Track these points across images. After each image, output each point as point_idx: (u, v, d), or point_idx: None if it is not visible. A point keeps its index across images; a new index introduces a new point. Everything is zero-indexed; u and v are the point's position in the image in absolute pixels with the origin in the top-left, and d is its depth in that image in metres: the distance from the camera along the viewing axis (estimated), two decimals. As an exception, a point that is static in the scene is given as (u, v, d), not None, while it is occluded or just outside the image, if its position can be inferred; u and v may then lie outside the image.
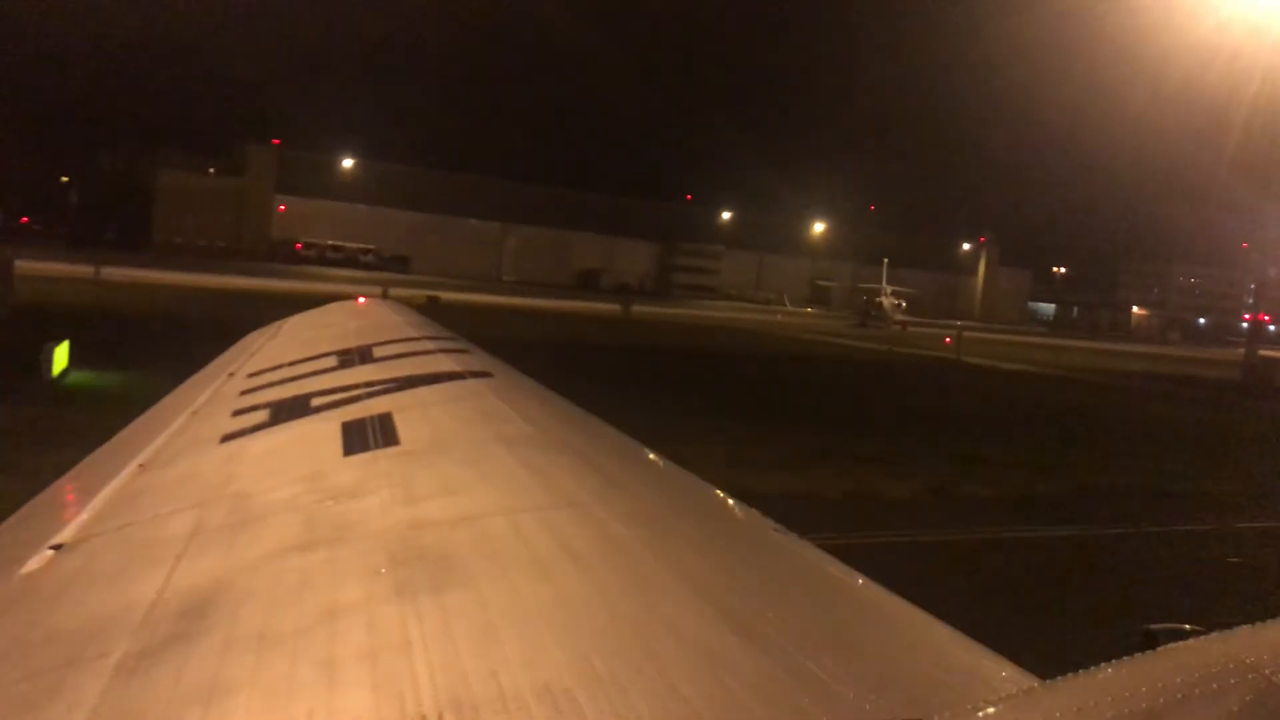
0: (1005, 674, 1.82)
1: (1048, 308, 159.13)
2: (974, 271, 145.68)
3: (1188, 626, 1.48)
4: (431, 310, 49.17)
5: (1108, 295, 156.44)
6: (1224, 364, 58.45)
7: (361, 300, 9.51)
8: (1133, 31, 64.38)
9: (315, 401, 4.45)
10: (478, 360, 5.60)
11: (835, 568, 2.45)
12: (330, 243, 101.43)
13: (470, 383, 4.77)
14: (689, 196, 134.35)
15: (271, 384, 5.22)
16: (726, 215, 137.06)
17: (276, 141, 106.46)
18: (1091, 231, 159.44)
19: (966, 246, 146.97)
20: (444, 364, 5.29)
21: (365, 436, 3.65)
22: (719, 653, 1.78)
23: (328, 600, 2.19)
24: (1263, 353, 54.06)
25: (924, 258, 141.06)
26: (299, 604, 2.21)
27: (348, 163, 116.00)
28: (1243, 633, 1.19)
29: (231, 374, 5.89)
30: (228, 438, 4.11)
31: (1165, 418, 32.23)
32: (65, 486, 4.04)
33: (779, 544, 2.66)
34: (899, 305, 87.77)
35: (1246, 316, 63.48)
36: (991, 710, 1.31)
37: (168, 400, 5.45)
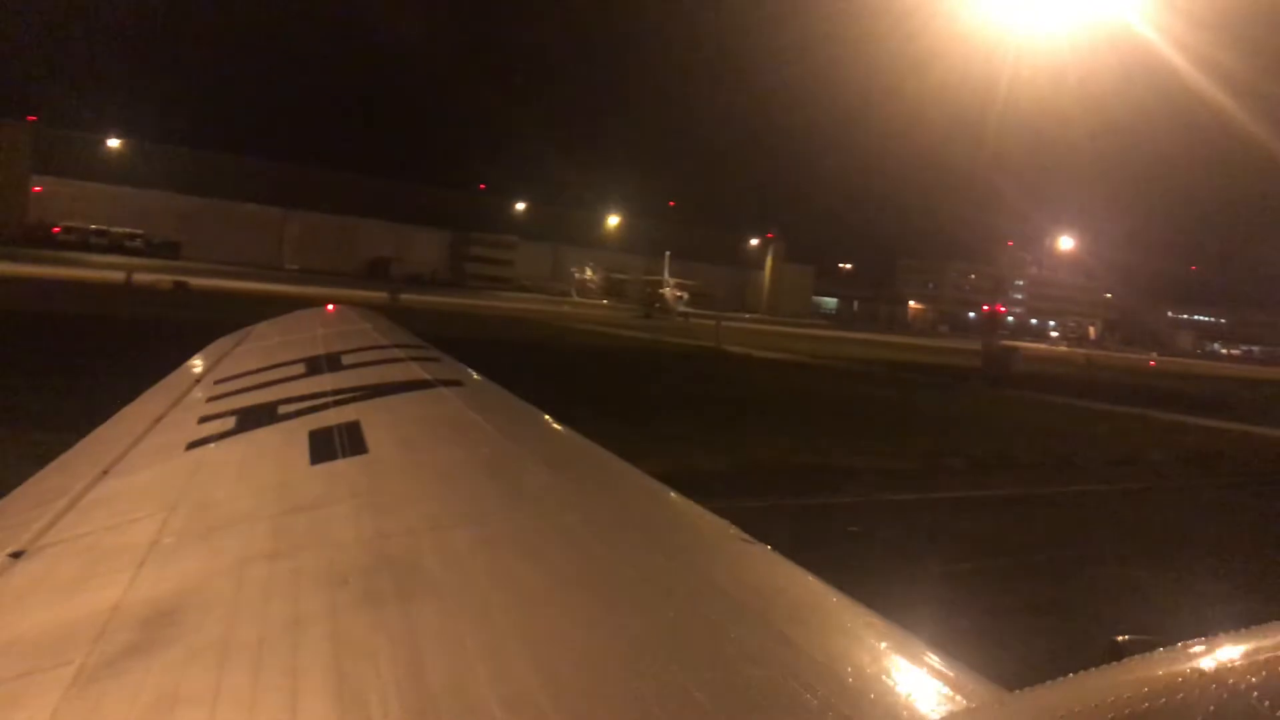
0: (971, 686, 1.75)
1: (831, 302, 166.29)
2: (763, 266, 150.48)
3: (1153, 639, 1.41)
4: (177, 295, 47.55)
5: (887, 290, 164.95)
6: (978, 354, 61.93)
7: (331, 307, 9.38)
8: (905, 35, 67.48)
9: (282, 409, 4.39)
10: (448, 369, 5.58)
11: (804, 578, 2.38)
12: (93, 227, 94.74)
13: (440, 391, 4.74)
14: (482, 186, 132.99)
15: (238, 391, 5.14)
16: (521, 206, 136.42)
17: (32, 119, 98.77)
18: (873, 229, 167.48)
19: (755, 242, 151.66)
20: (414, 372, 5.28)
21: (333, 445, 3.57)
22: (687, 662, 1.78)
23: (292, 610, 2.15)
24: (1005, 343, 57.82)
25: (717, 253, 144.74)
26: (263, 614, 2.16)
27: (114, 142, 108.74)
28: (1207, 644, 1.19)
29: (198, 380, 5.82)
30: (193, 445, 4.03)
31: (883, 400, 33.36)
32: (26, 493, 3.81)
33: (749, 554, 2.60)
34: (681, 297, 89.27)
35: (985, 308, 67.77)
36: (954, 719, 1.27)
37: (133, 406, 5.21)
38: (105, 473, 3.81)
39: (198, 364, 6.55)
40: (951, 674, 1.83)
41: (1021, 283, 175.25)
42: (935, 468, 18.83)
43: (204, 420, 4.50)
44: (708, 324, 61.99)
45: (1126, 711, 1.07)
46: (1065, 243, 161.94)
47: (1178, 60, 53.70)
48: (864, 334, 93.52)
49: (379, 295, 60.53)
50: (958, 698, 1.66)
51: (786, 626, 2.05)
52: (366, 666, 1.82)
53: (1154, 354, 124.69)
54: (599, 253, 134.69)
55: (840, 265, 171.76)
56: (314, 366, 5.56)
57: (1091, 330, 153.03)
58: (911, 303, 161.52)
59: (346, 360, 5.74)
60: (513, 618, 2.03)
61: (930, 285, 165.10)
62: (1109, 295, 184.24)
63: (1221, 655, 1.14)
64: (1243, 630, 1.22)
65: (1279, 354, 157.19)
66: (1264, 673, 1.06)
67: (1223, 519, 17.45)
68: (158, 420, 4.72)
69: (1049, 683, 1.22)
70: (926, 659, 1.93)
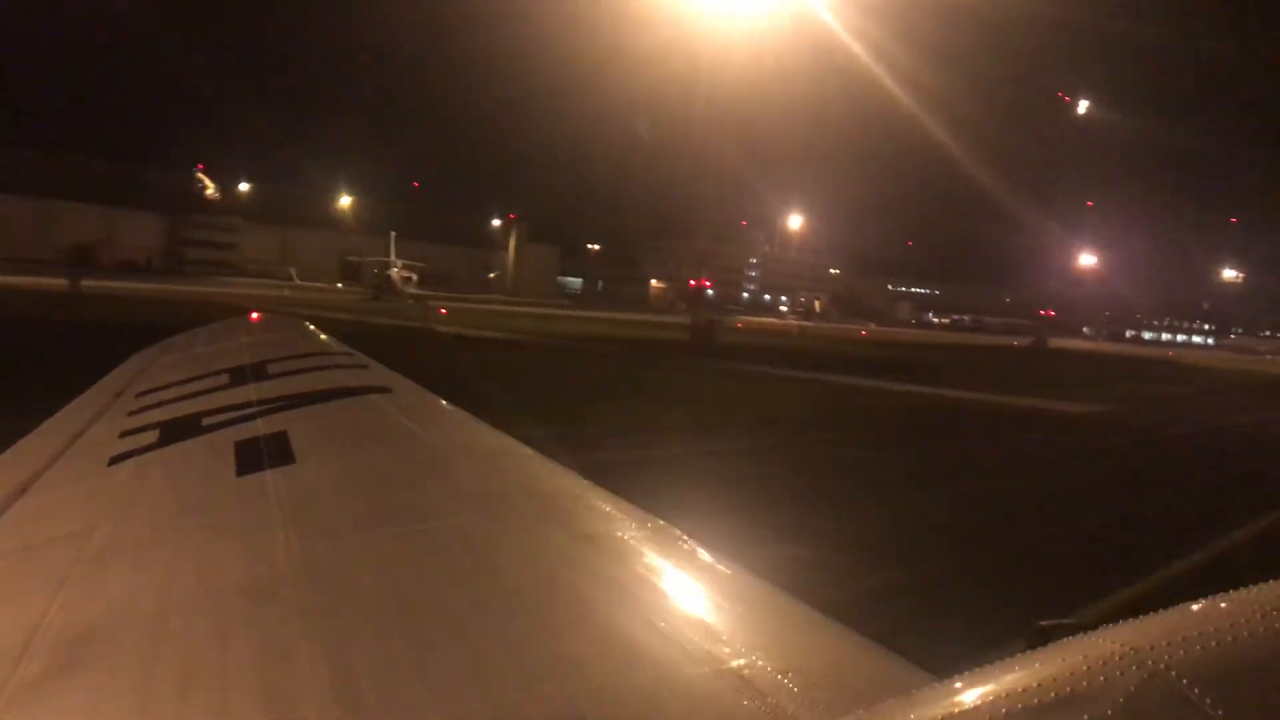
0: (900, 673, 1.80)
1: (577, 282, 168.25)
2: (506, 247, 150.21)
3: (1077, 622, 1.44)
4: None
5: (630, 270, 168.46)
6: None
7: (255, 316, 9.08)
8: (635, 20, 68.57)
9: (207, 421, 4.29)
10: (377, 375, 5.50)
11: (735, 574, 2.39)
12: None
13: (369, 398, 4.71)
14: (201, 166, 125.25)
15: (161, 404, 4.97)
16: (246, 186, 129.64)
17: None
18: (621, 211, 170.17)
19: (497, 223, 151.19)
20: (341, 379, 5.24)
21: (259, 456, 3.49)
22: (620, 660, 1.82)
23: (220, 625, 2.14)
24: (713, 316, 60.37)
25: (463, 234, 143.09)
26: (189, 630, 2.14)
27: None
28: (1129, 625, 1.21)
29: (119, 394, 5.58)
30: (116, 460, 3.88)
31: (557, 370, 34.20)
32: None
33: (683, 553, 2.56)
34: (409, 279, 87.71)
35: (690, 283, 70.68)
36: (884, 709, 1.30)
37: (52, 422, 4.97)
38: (24, 491, 3.69)
39: (119, 377, 6.30)
40: (883, 662, 1.87)
41: (755, 260, 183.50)
42: (576, 434, 19.11)
43: (126, 434, 4.39)
44: (429, 304, 61.20)
45: (1052, 695, 1.08)
46: (794, 222, 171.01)
47: (857, 48, 57.49)
48: (599, 313, 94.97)
49: (58, 284, 56.10)
50: (885, 686, 1.65)
51: (718, 621, 2.07)
52: (297, 680, 1.80)
53: (871, 324, 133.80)
54: (333, 235, 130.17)
55: (589, 246, 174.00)
56: (239, 377, 5.45)
57: (818, 304, 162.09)
58: (654, 281, 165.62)
59: (272, 369, 5.64)
60: (444, 622, 2.03)
61: (671, 264, 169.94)
62: (836, 271, 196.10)
63: (1143, 636, 1.16)
64: (1164, 611, 1.24)
65: (985, 322, 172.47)
66: (1182, 652, 1.09)
67: (810, 471, 18.19)
68: (78, 436, 4.58)
69: (976, 670, 1.22)
70: (854, 648, 1.96)
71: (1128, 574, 11.21)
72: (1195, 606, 1.22)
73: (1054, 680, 1.11)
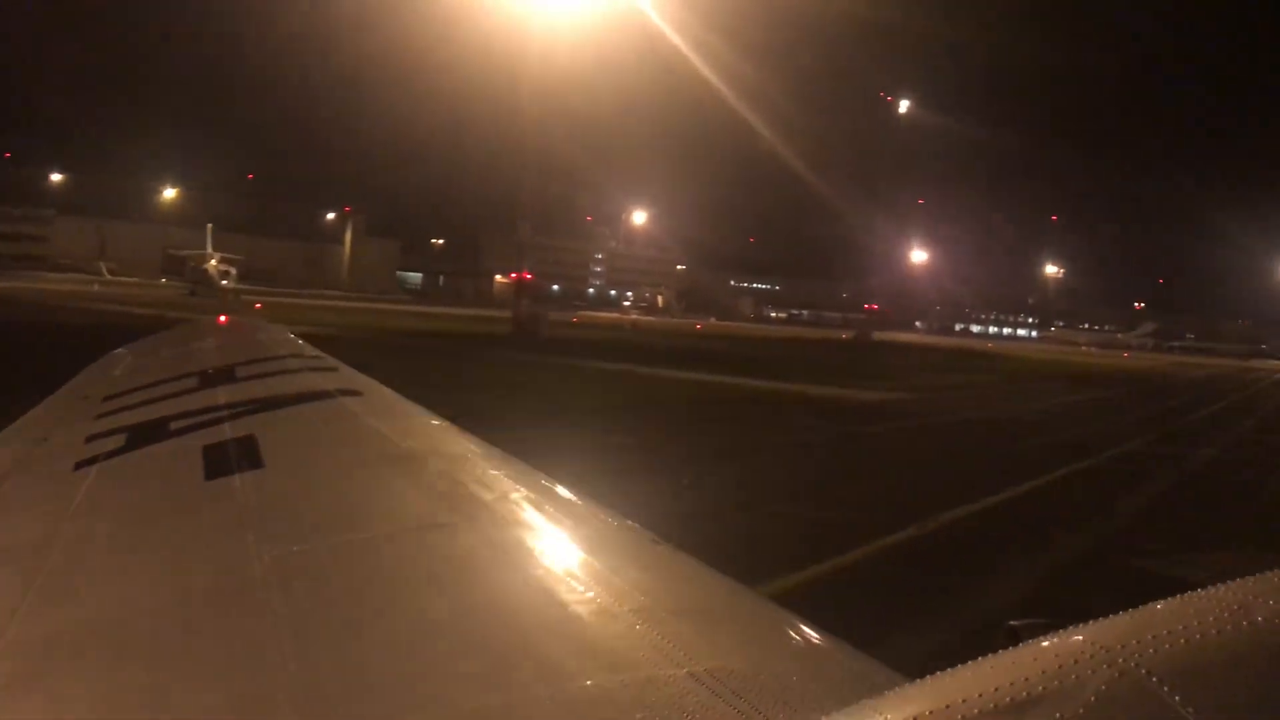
0: (871, 673, 1.82)
1: (418, 277, 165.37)
2: (342, 241, 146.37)
3: (1048, 621, 1.42)
4: None
5: (476, 264, 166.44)
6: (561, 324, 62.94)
7: (223, 319, 9.08)
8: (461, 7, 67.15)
9: (175, 425, 4.23)
10: (347, 378, 5.44)
11: (710, 577, 2.42)
12: None
13: (339, 401, 4.66)
14: (7, 155, 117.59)
15: (129, 407, 4.86)
16: (59, 177, 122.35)
17: None
18: (462, 205, 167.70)
19: (331, 216, 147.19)
20: (311, 383, 5.21)
21: (228, 460, 3.47)
22: (587, 668, 1.83)
23: (187, 629, 2.17)
24: (537, 310, 60.07)
25: (298, 228, 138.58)
26: (155, 635, 2.16)
27: None
28: (1099, 624, 1.22)
29: (86, 397, 5.45)
30: (81, 464, 3.82)
31: (362, 365, 32.92)
32: None
33: (657, 555, 2.59)
34: (228, 272, 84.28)
35: (512, 275, 70.48)
36: (855, 710, 1.29)
37: (17, 425, 4.81)
38: None
39: (86, 381, 6.25)
40: (858, 664, 1.86)
41: (601, 256, 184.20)
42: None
43: (92, 439, 4.30)
44: (248, 299, 58.67)
45: (1024, 694, 1.08)
46: (640, 218, 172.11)
47: (686, 46, 58.00)
48: (433, 308, 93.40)
49: None
50: (858, 687, 1.61)
51: (689, 622, 2.05)
52: (265, 687, 1.78)
53: (711, 318, 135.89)
54: (158, 228, 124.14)
55: (433, 240, 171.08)
56: (207, 380, 5.41)
57: (660, 299, 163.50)
58: (497, 276, 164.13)
59: (241, 373, 5.60)
60: (412, 626, 2.03)
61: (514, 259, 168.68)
62: (683, 267, 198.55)
63: (1113, 634, 1.16)
64: (1135, 609, 1.24)
65: (824, 316, 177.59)
66: (1151, 649, 1.10)
67: (566, 458, 17.96)
68: (43, 441, 4.52)
69: (948, 671, 1.22)
70: (834, 651, 1.95)
71: (794, 552, 11.17)
72: (1164, 604, 1.23)
73: (1025, 680, 1.11)
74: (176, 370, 5.86)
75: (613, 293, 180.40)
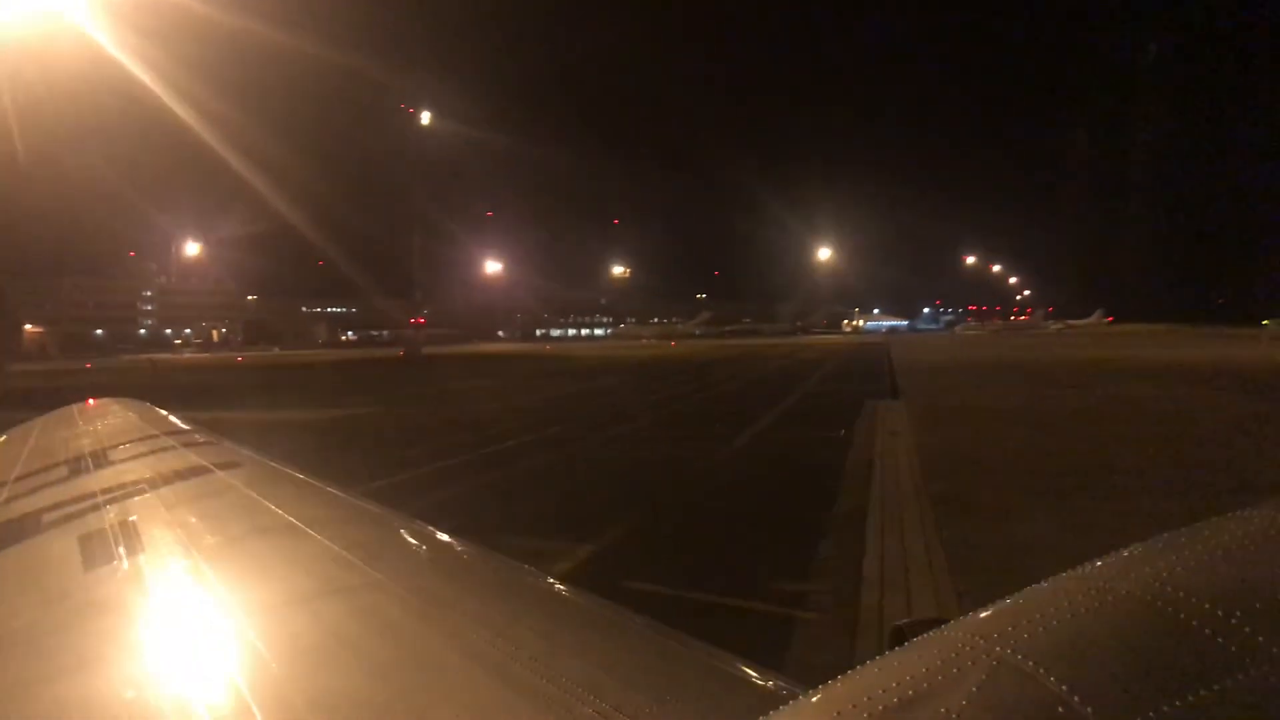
0: (758, 683, 1.86)
1: None
2: None
3: (934, 618, 1.45)
4: None
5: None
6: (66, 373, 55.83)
7: (92, 402, 8.11)
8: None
9: (47, 518, 4.03)
10: (225, 452, 5.21)
11: (610, 612, 2.45)
12: None
13: (218, 476, 4.51)
14: None
15: None
16: None
17: None
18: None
19: None
20: (188, 459, 5.00)
21: (108, 547, 3.37)
22: (502, 715, 1.84)
23: None
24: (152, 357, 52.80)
25: None
26: None
27: None
28: (979, 616, 1.23)
29: None
30: None
31: None
32: None
33: (558, 599, 2.67)
34: None
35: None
36: None
37: None
38: None
39: None
40: (744, 676, 1.89)
41: (150, 293, 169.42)
42: None
43: None
44: None
45: (910, 693, 1.10)
46: (191, 250, 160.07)
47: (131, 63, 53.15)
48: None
49: None
50: (751, 700, 1.67)
51: (596, 660, 2.04)
52: None
53: (275, 348, 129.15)
54: None
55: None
56: (78, 467, 5.12)
57: (215, 334, 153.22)
58: (28, 325, 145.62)
59: (115, 456, 5.35)
60: (302, 693, 2.01)
61: (47, 306, 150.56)
62: (254, 297, 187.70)
63: (990, 624, 1.18)
64: (1011, 596, 1.25)
65: (404, 336, 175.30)
66: (1026, 635, 1.12)
67: None
68: None
69: (837, 678, 1.23)
70: (714, 664, 1.97)
71: None
72: (1036, 588, 1.25)
73: (910, 679, 1.12)
74: (44, 460, 5.57)
75: (168, 331, 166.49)
